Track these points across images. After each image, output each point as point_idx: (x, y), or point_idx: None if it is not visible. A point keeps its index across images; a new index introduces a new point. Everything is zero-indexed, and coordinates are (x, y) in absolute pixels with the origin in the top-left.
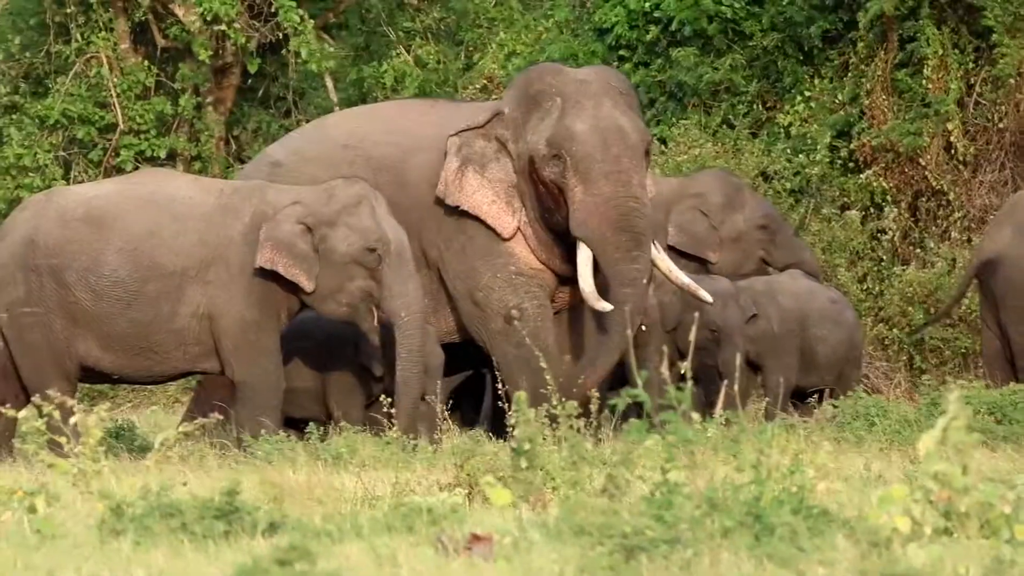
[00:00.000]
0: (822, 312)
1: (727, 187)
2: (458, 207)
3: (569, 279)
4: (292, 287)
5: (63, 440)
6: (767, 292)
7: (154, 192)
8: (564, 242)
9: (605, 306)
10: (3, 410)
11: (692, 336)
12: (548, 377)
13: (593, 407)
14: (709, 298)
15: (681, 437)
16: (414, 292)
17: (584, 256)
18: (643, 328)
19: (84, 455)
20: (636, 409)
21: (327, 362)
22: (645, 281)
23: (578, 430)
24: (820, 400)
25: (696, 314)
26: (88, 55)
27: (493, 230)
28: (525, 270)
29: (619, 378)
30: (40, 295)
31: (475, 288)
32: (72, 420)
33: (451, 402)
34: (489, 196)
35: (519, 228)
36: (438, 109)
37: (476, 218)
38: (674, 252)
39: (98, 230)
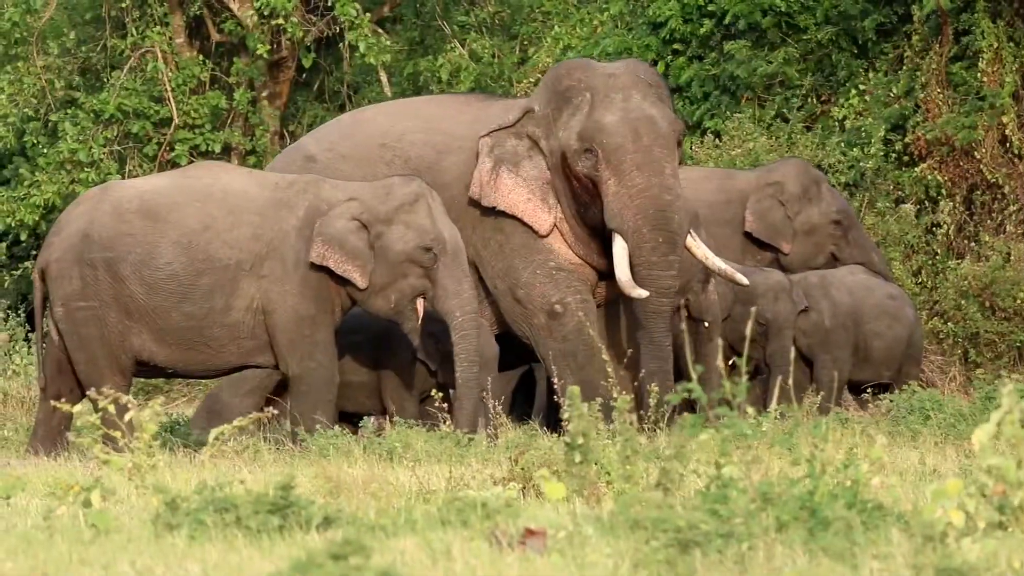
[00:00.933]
0: (879, 307)
1: (805, 178)
2: (494, 207)
3: (606, 274)
4: (345, 282)
5: (118, 435)
6: (820, 286)
7: (209, 185)
8: (600, 237)
9: (641, 293)
10: (58, 405)
11: (748, 330)
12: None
13: (652, 401)
14: (745, 281)
15: (736, 431)
16: (468, 292)
17: (620, 246)
18: (705, 325)
19: (139, 449)
20: (691, 403)
21: (382, 356)
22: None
23: (632, 424)
24: (880, 394)
25: (752, 308)
26: (143, 49)
27: (530, 227)
28: (565, 265)
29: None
30: (95, 289)
31: (516, 285)
32: (127, 415)
33: (504, 396)
34: (524, 194)
35: (555, 224)
36: (473, 106)
37: (512, 216)
38: (749, 240)
39: (153, 223)
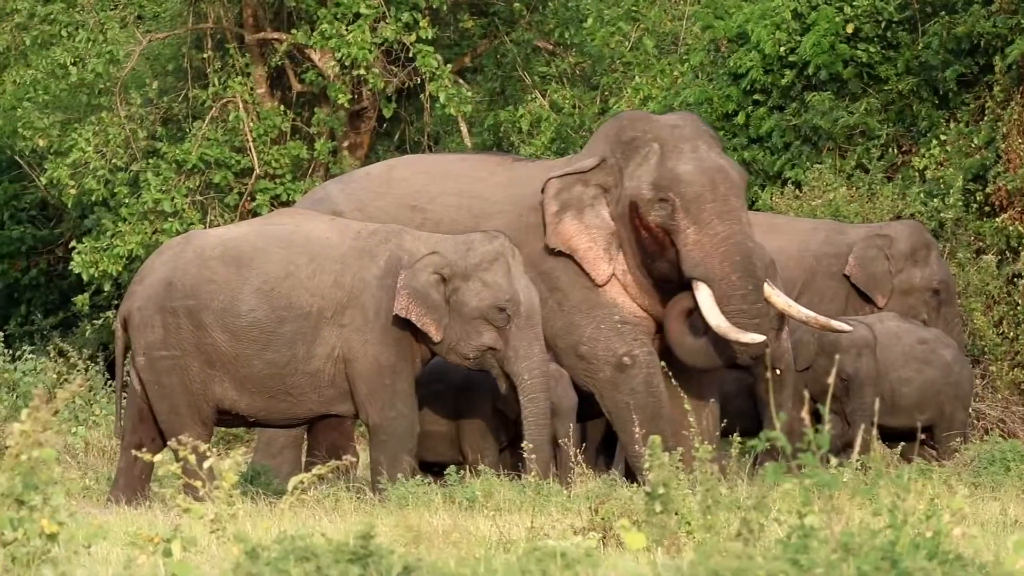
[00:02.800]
0: (907, 354)
1: (917, 240)
2: (545, 266)
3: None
4: (423, 334)
5: (198, 484)
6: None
7: (291, 232)
8: (663, 289)
9: (755, 337)
10: (140, 454)
11: (831, 380)
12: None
13: (734, 451)
14: (846, 328)
15: (818, 480)
16: (539, 355)
17: (707, 295)
18: (777, 372)
19: (219, 499)
20: (772, 452)
21: (462, 405)
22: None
23: (713, 474)
24: (925, 439)
25: (835, 358)
26: (225, 99)
27: (588, 277)
28: (629, 318)
29: (755, 420)
30: (177, 338)
31: (579, 342)
32: (207, 464)
33: (585, 444)
34: (585, 241)
35: (615, 275)
36: (506, 168)
37: (566, 273)
38: (848, 284)
39: (236, 269)
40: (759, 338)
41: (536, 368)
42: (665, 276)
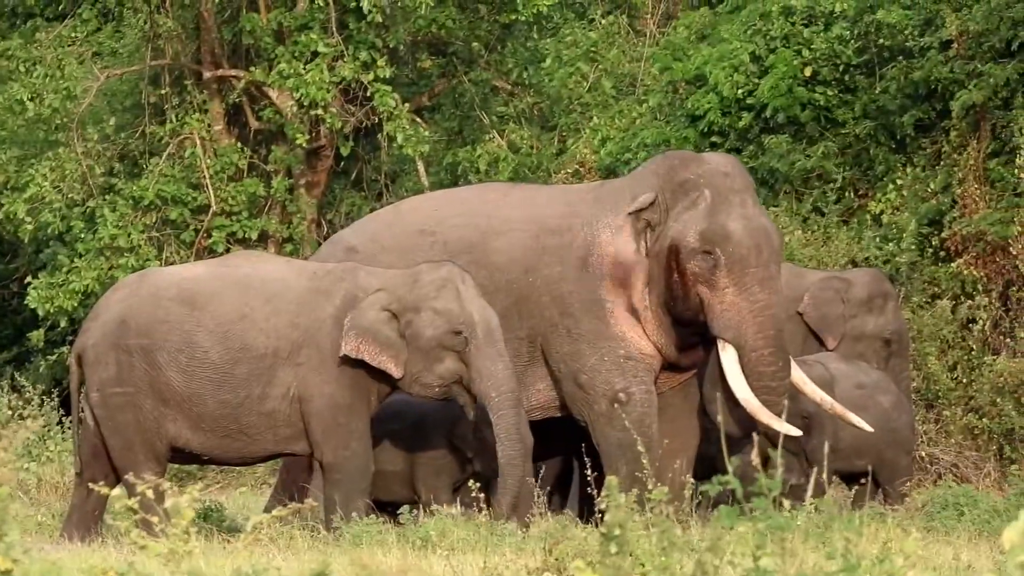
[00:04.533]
0: (843, 399)
1: (875, 288)
2: (560, 290)
3: (673, 365)
4: (382, 372)
5: (155, 519)
6: None
7: (247, 274)
8: (680, 329)
9: (792, 430)
10: (96, 487)
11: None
12: (646, 463)
13: (687, 493)
14: (867, 427)
15: (772, 523)
16: (503, 372)
17: (732, 360)
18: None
19: (175, 535)
20: (727, 495)
21: (416, 444)
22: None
23: (668, 515)
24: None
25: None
26: (182, 136)
27: (602, 307)
28: (635, 354)
29: (709, 465)
30: (131, 375)
31: (580, 370)
32: (167, 502)
33: (539, 486)
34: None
35: (633, 306)
36: (517, 191)
37: (580, 300)
38: (805, 326)
39: (190, 310)
40: (795, 431)
41: (503, 384)
42: (683, 319)
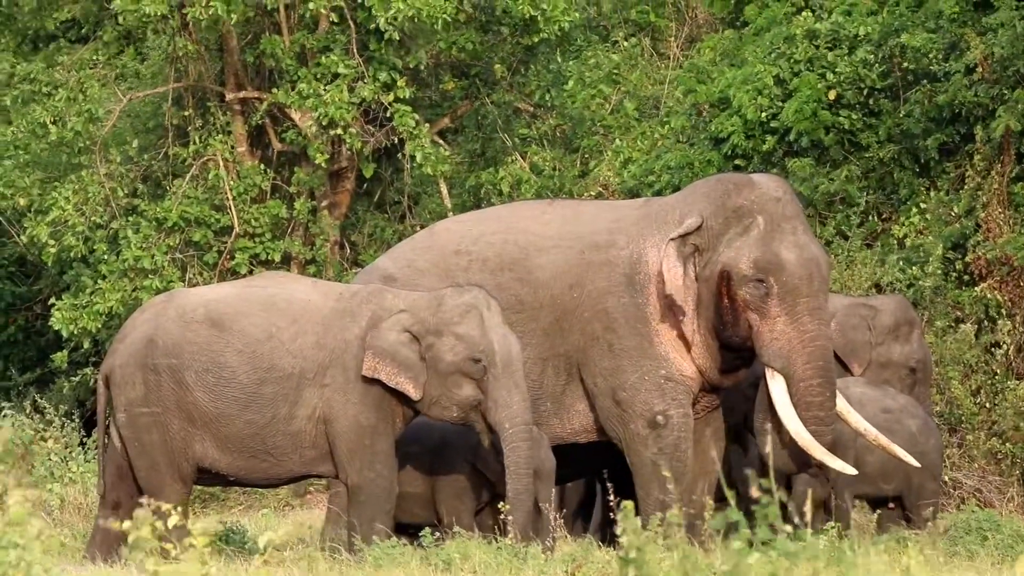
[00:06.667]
0: (871, 423)
1: (901, 316)
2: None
3: (714, 388)
4: (402, 394)
5: (170, 547)
6: None
7: (274, 295)
8: (726, 354)
9: (847, 468)
10: (110, 524)
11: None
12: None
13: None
14: (914, 462)
15: (784, 552)
16: (519, 404)
17: (781, 389)
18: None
19: (192, 559)
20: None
21: (437, 467)
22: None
23: (689, 539)
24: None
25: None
26: (205, 158)
27: (646, 325)
28: (676, 376)
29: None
30: (158, 395)
31: (619, 387)
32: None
33: (564, 509)
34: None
35: (682, 330)
36: (557, 207)
37: (625, 316)
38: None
39: (218, 331)
40: (851, 470)
41: (517, 417)
42: (731, 344)
